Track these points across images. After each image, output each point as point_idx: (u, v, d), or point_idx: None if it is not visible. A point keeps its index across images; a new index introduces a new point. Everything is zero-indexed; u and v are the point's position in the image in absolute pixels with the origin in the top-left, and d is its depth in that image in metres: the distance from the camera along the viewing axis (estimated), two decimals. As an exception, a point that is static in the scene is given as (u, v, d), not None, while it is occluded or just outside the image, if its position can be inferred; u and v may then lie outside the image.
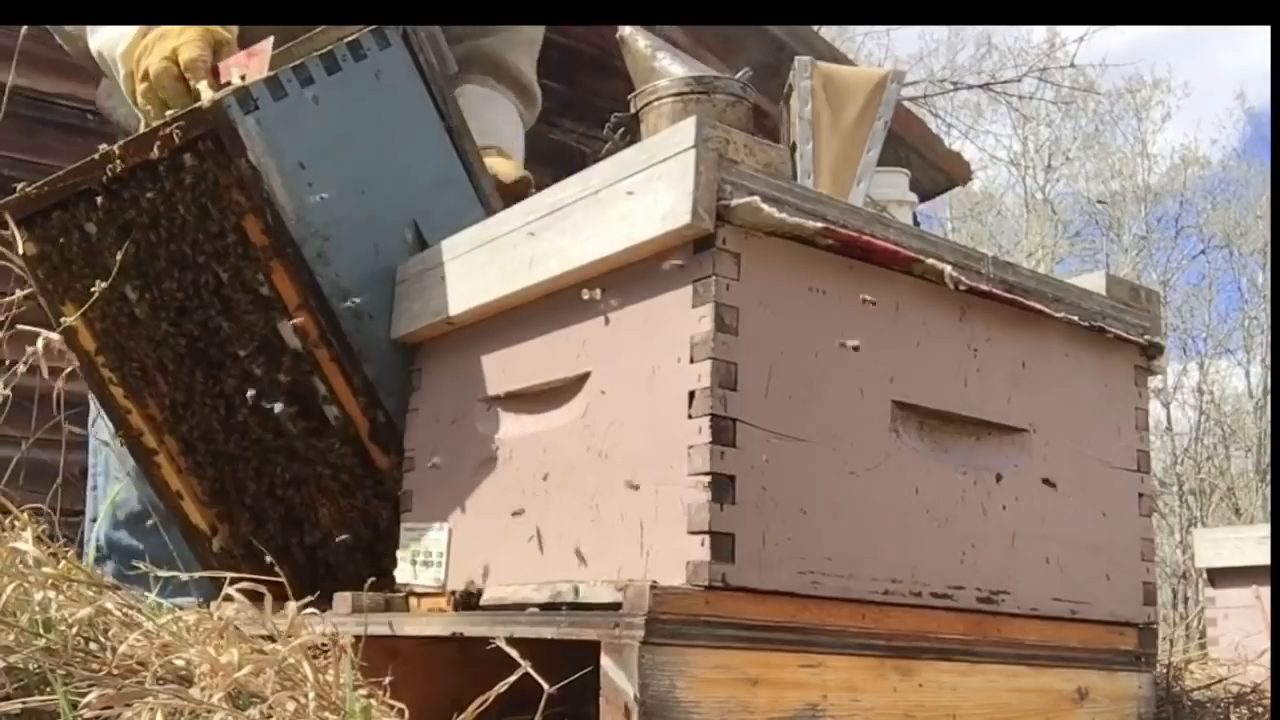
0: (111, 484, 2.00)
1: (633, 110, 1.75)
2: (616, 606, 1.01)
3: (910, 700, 1.13)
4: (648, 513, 1.07)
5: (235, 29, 1.67)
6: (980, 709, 1.20)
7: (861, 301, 1.15)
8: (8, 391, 1.38)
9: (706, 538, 1.01)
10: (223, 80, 1.59)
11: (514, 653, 1.05)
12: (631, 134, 1.76)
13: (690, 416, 1.04)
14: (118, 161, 1.46)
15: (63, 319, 1.55)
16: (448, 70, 1.67)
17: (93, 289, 1.47)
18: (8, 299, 1.47)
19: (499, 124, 2.06)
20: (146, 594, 1.55)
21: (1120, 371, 1.41)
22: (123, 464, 1.93)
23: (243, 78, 1.53)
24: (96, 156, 1.48)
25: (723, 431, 1.03)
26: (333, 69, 1.49)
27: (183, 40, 1.61)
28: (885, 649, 1.12)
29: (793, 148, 1.74)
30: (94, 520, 2.01)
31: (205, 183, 1.42)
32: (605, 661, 0.99)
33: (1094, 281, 1.42)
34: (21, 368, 1.38)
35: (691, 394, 1.04)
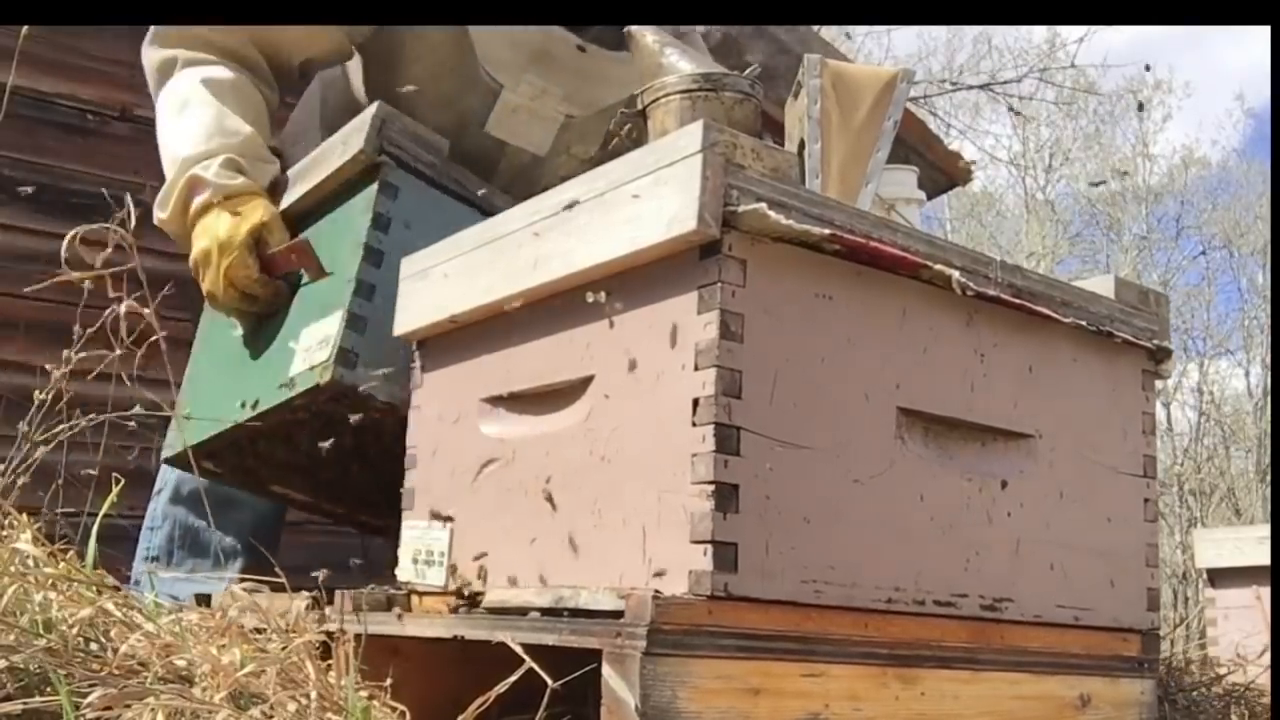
0: None
1: (639, 107, 1.74)
2: (618, 614, 1.00)
3: (912, 709, 1.13)
4: (650, 520, 1.06)
5: (273, 210, 1.72)
6: (982, 717, 1.19)
7: None
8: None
9: (709, 547, 1.00)
10: (280, 271, 1.69)
11: (520, 649, 1.05)
12: (638, 131, 1.75)
13: (694, 424, 1.03)
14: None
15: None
16: (441, 151, 1.71)
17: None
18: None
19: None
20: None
21: (1127, 376, 1.41)
22: None
23: (301, 277, 1.66)
24: (241, 419, 1.66)
25: (726, 440, 1.02)
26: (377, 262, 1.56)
27: (232, 259, 1.68)
28: (888, 657, 1.12)
29: (800, 147, 1.73)
30: (159, 491, 2.12)
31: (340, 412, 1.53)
32: (607, 670, 0.98)
33: (1102, 285, 1.41)
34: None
35: (696, 401, 1.04)
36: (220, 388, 1.79)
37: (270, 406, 1.60)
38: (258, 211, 1.70)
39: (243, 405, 1.68)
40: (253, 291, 1.70)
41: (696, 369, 1.04)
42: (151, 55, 1.90)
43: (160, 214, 1.79)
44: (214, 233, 1.69)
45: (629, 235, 1.11)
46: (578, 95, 2.03)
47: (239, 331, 1.80)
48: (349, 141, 1.62)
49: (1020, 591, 1.24)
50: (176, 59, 1.86)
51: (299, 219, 1.75)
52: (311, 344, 1.55)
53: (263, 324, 1.76)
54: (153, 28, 1.91)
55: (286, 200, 1.76)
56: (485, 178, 1.79)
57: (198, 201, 1.73)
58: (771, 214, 1.06)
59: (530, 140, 2.02)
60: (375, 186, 1.58)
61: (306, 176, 1.73)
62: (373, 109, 1.60)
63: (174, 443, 1.84)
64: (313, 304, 1.64)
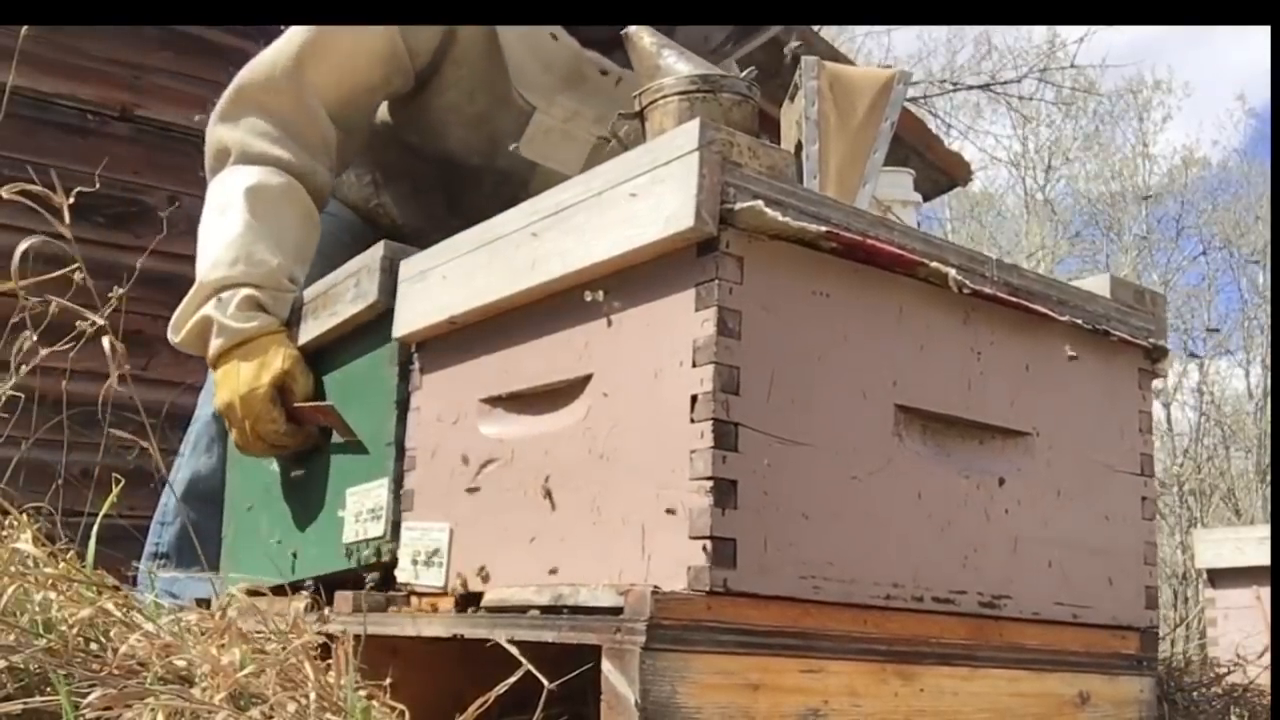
0: (196, 457, 2.09)
1: (637, 108, 1.75)
2: (618, 610, 1.01)
3: (911, 705, 1.13)
4: (649, 517, 1.06)
5: (293, 354, 1.66)
6: (981, 713, 1.19)
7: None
8: (9, 391, 1.38)
9: (708, 543, 1.00)
10: (306, 422, 1.64)
11: (515, 651, 1.05)
12: (635, 132, 1.75)
13: (692, 421, 1.04)
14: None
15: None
16: None
17: None
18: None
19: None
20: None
21: (1124, 374, 1.41)
22: (218, 442, 2.03)
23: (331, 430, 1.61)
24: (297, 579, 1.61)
25: (725, 436, 1.03)
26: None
27: (257, 414, 1.63)
28: (887, 654, 1.12)
29: (798, 148, 1.73)
30: (171, 485, 2.10)
31: None
32: (606, 666, 0.99)
33: (1098, 284, 1.41)
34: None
35: (694, 398, 1.04)
36: (266, 531, 1.75)
37: (329, 572, 1.56)
38: (277, 359, 1.64)
39: (294, 556, 1.64)
40: (281, 443, 1.66)
41: (694, 366, 1.05)
42: (211, 136, 1.87)
43: (174, 337, 1.76)
44: (234, 385, 1.64)
45: (626, 234, 1.11)
46: (609, 118, 2.04)
47: (274, 466, 1.75)
48: (361, 286, 1.54)
49: (1018, 589, 1.25)
50: (230, 150, 1.83)
51: (318, 354, 1.68)
52: (362, 511, 1.50)
53: (298, 460, 1.70)
54: (220, 102, 1.88)
55: (303, 336, 1.69)
56: (517, 197, 1.78)
57: (214, 345, 1.69)
58: (768, 211, 1.06)
59: (562, 161, 2.01)
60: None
61: (320, 316, 1.65)
62: (380, 250, 1.52)
63: (226, 572, 1.82)
64: (354, 461, 1.57)
